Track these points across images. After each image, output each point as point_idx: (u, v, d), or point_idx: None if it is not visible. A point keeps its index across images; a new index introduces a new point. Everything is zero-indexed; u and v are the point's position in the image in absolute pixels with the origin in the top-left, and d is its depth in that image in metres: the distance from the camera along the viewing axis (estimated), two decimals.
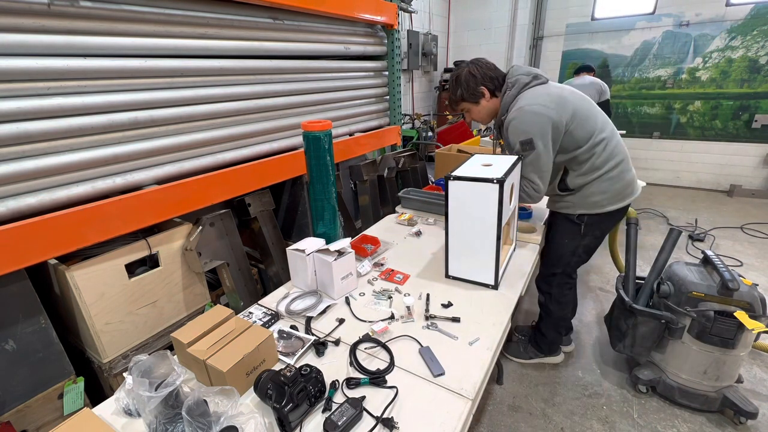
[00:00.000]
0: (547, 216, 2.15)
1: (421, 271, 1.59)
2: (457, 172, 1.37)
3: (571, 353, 2.17)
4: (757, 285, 1.65)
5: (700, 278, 1.68)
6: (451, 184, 1.34)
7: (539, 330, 2.03)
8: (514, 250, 1.71)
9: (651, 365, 1.87)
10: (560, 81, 5.70)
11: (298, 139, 2.18)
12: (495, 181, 1.26)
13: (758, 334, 1.59)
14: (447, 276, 1.52)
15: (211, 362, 0.95)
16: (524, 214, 2.02)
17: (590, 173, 1.59)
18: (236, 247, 2.06)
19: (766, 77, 4.34)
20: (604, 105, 4.01)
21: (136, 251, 1.52)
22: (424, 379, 1.03)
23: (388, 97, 2.99)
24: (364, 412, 0.92)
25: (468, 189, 1.32)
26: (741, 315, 1.51)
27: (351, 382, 1.01)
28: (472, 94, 1.62)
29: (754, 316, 1.53)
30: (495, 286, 1.42)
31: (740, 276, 1.63)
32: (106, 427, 0.84)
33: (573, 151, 1.56)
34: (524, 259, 1.65)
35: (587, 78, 4.04)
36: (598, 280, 2.90)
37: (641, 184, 1.81)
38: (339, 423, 0.87)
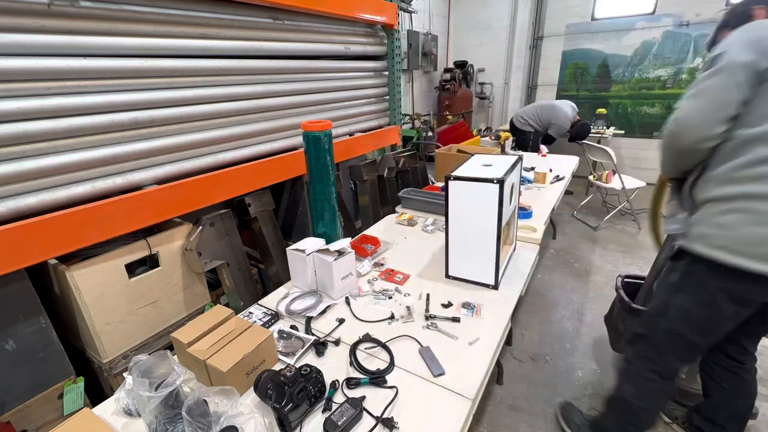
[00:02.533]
0: (548, 216, 2.14)
1: (421, 271, 1.59)
2: (457, 172, 1.37)
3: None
4: None
5: None
6: (452, 184, 1.35)
7: (603, 412, 1.48)
8: (514, 250, 1.71)
9: None
10: (560, 81, 5.71)
11: (298, 139, 2.18)
12: (495, 181, 1.26)
13: None
14: (447, 276, 1.52)
15: (211, 362, 0.95)
16: (524, 214, 2.02)
17: (731, 182, 1.01)
18: (236, 247, 2.06)
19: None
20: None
21: (136, 251, 1.52)
22: (424, 379, 1.03)
23: (388, 97, 2.99)
24: (364, 412, 0.92)
25: (468, 189, 1.32)
26: None
27: (351, 382, 1.01)
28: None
29: None
30: (495, 287, 1.42)
31: None
32: (106, 427, 0.84)
33: (749, 127, 0.98)
34: (524, 259, 1.65)
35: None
36: (599, 280, 2.90)
37: None
38: (339, 423, 0.87)
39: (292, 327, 1.25)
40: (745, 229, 0.97)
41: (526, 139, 4.35)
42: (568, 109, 4.24)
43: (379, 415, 0.91)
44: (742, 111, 0.98)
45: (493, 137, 4.20)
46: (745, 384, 1.35)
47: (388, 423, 0.89)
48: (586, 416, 1.61)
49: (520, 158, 1.53)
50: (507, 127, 5.34)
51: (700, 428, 1.46)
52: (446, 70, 6.01)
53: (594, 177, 3.93)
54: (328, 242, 1.46)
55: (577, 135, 4.17)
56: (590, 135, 4.28)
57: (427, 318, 1.27)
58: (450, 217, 1.40)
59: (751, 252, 0.97)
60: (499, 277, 1.43)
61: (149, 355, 0.91)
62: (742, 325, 1.15)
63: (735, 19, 1.17)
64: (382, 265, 1.64)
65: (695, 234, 1.08)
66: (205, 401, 0.85)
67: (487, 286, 1.44)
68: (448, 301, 1.36)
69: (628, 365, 1.35)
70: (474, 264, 1.44)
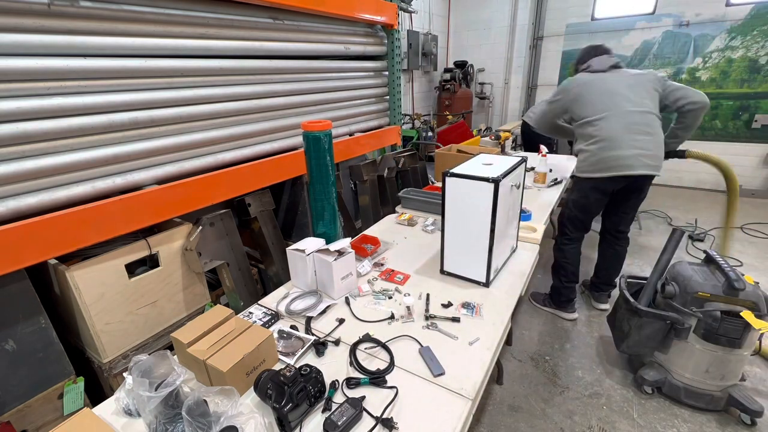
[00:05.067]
0: (548, 216, 2.16)
1: (422, 271, 1.59)
2: (457, 170, 1.37)
3: (575, 321, 2.44)
4: (758, 283, 1.65)
5: (705, 278, 1.68)
6: (449, 180, 1.35)
7: (553, 280, 2.46)
8: (514, 250, 1.71)
9: (656, 366, 1.86)
10: (560, 81, 5.70)
11: (298, 139, 2.18)
12: (491, 180, 1.26)
13: (762, 333, 1.59)
14: (442, 271, 1.52)
15: (211, 362, 0.95)
16: (523, 216, 2.01)
17: (579, 142, 2.15)
18: (236, 247, 2.06)
19: (766, 77, 4.34)
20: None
21: (136, 251, 1.52)
22: (424, 379, 1.03)
23: (388, 97, 2.99)
24: (364, 412, 0.92)
25: (465, 186, 1.33)
26: (747, 315, 1.51)
27: (351, 382, 1.01)
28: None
29: (759, 316, 1.53)
30: (486, 284, 1.43)
31: (743, 275, 1.63)
32: (106, 427, 0.84)
33: (574, 122, 2.17)
34: (524, 259, 1.65)
35: None
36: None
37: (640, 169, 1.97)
38: (339, 423, 0.87)
39: (292, 327, 1.25)
40: (587, 160, 2.09)
41: (550, 142, 3.92)
42: None
43: (379, 415, 0.91)
44: (567, 116, 2.26)
45: (493, 137, 4.19)
46: (617, 253, 2.41)
47: (388, 423, 0.89)
48: (544, 295, 2.58)
49: (524, 159, 1.53)
50: (507, 127, 5.34)
51: (593, 284, 2.57)
52: (446, 70, 6.01)
53: None
54: (328, 242, 1.46)
55: None
56: None
57: (427, 318, 1.27)
58: (446, 213, 1.41)
59: (592, 169, 2.06)
60: (491, 276, 1.44)
61: (149, 355, 0.91)
62: (611, 212, 2.33)
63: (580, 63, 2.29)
64: (382, 265, 1.64)
65: (575, 167, 2.25)
66: (205, 401, 0.85)
67: (478, 283, 1.45)
68: (448, 301, 1.36)
69: (555, 242, 2.41)
70: (467, 261, 1.45)
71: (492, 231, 1.32)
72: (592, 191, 2.11)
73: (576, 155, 2.18)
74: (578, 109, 2.09)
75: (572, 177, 2.12)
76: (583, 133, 2.09)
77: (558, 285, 2.39)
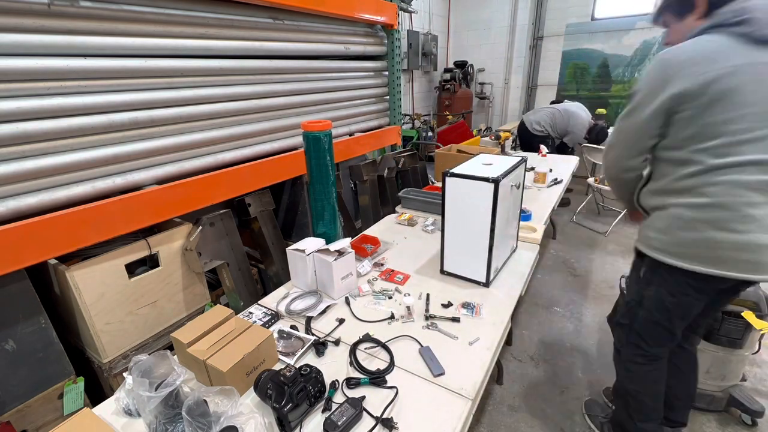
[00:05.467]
0: (548, 216, 2.14)
1: (422, 271, 1.59)
2: (457, 169, 1.37)
3: None
4: (758, 283, 1.65)
5: None
6: (449, 180, 1.35)
7: (615, 405, 1.53)
8: (514, 250, 1.71)
9: None
10: (560, 81, 5.71)
11: (298, 139, 2.18)
12: (491, 180, 1.26)
13: (762, 334, 1.59)
14: (442, 271, 1.52)
15: (211, 362, 0.95)
16: (523, 216, 2.01)
17: (664, 194, 1.14)
18: (236, 247, 2.06)
19: None
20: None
21: (136, 251, 1.52)
22: (424, 379, 1.03)
23: (388, 97, 2.99)
24: (364, 412, 0.92)
25: (465, 186, 1.33)
26: (748, 315, 1.51)
27: (351, 382, 1.01)
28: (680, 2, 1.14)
29: (760, 316, 1.52)
30: (486, 284, 1.43)
31: None
32: (106, 427, 0.84)
33: (672, 150, 1.11)
34: (524, 259, 1.65)
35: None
36: (599, 280, 2.90)
37: None
38: (339, 423, 0.87)
39: (292, 327, 1.25)
40: (676, 234, 1.11)
41: (546, 143, 3.88)
42: (583, 114, 3.98)
43: (379, 415, 0.91)
44: (660, 138, 1.14)
45: (493, 137, 4.19)
46: (691, 359, 1.47)
47: (388, 423, 0.89)
48: (607, 413, 1.66)
49: (524, 159, 1.53)
50: (507, 127, 5.34)
51: (667, 419, 1.49)
52: (446, 70, 6.02)
53: (595, 180, 3.92)
54: (328, 242, 1.46)
55: (596, 141, 3.92)
56: None
57: (427, 318, 1.27)
58: (446, 213, 1.41)
59: (683, 253, 1.10)
60: (491, 276, 1.44)
61: (149, 355, 0.91)
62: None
63: (678, 4, 1.16)
64: (382, 265, 1.64)
65: (643, 236, 1.22)
66: (205, 401, 0.85)
67: (478, 283, 1.45)
68: (448, 301, 1.36)
69: (618, 354, 1.46)
70: (467, 261, 1.45)
71: (492, 231, 1.32)
72: (694, 290, 1.16)
73: (646, 209, 1.22)
74: (715, 117, 1.01)
75: (640, 254, 1.24)
76: (673, 171, 1.11)
77: (624, 420, 1.44)
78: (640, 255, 1.25)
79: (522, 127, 4.27)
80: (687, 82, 1.01)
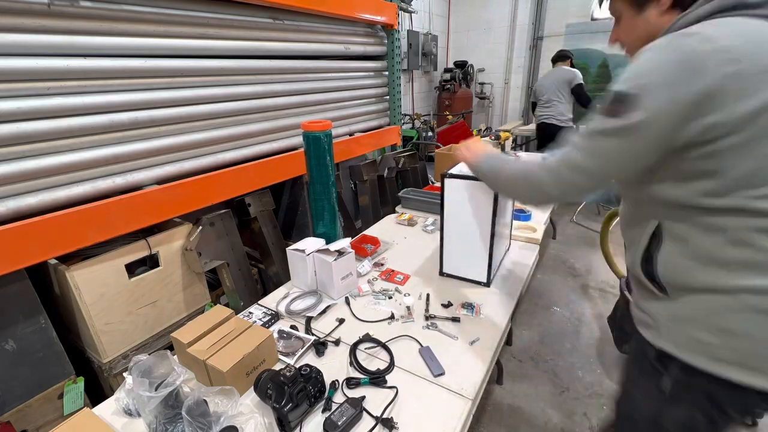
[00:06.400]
0: (547, 216, 2.13)
1: (422, 271, 1.59)
2: (455, 171, 1.37)
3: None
4: None
5: None
6: (447, 181, 1.35)
7: None
8: (508, 249, 1.70)
9: None
10: None
11: (298, 139, 2.18)
12: None
13: None
14: (441, 273, 1.52)
15: (211, 362, 0.95)
16: (523, 216, 2.01)
17: (724, 270, 0.68)
18: (236, 247, 2.06)
19: None
20: (577, 91, 3.69)
21: (136, 251, 1.52)
22: (424, 379, 1.03)
23: (388, 97, 2.99)
24: (364, 412, 0.92)
25: (464, 187, 1.32)
26: None
27: (351, 382, 1.01)
28: None
29: None
30: (487, 284, 1.43)
31: None
32: (106, 427, 0.84)
33: (701, 195, 0.67)
34: (524, 259, 1.65)
35: (557, 70, 3.83)
36: (599, 279, 2.90)
37: None
38: (339, 423, 0.87)
39: (292, 327, 1.25)
40: (755, 338, 0.67)
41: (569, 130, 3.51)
42: (561, 70, 3.80)
43: (379, 415, 0.91)
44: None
45: (493, 137, 4.20)
46: None
47: (388, 423, 0.89)
48: None
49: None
50: (507, 127, 5.34)
51: None
52: (446, 70, 6.02)
53: None
54: (328, 242, 1.46)
55: (580, 101, 3.75)
56: None
57: (427, 318, 1.27)
58: (445, 214, 1.40)
59: (745, 363, 0.68)
60: (492, 276, 1.43)
61: (149, 355, 0.92)
62: None
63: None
64: (382, 265, 1.64)
65: (685, 337, 0.73)
66: (205, 401, 0.85)
67: (479, 283, 1.45)
68: (448, 301, 1.36)
69: None
70: (467, 261, 1.44)
71: (493, 231, 1.32)
72: (739, 414, 0.76)
73: (662, 290, 0.76)
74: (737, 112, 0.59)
75: (658, 359, 0.78)
76: (731, 221, 0.65)
77: None
78: (660, 357, 0.78)
79: (543, 128, 3.97)
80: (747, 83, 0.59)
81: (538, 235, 1.83)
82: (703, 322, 0.71)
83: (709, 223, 0.68)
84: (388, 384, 1.01)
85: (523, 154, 3.22)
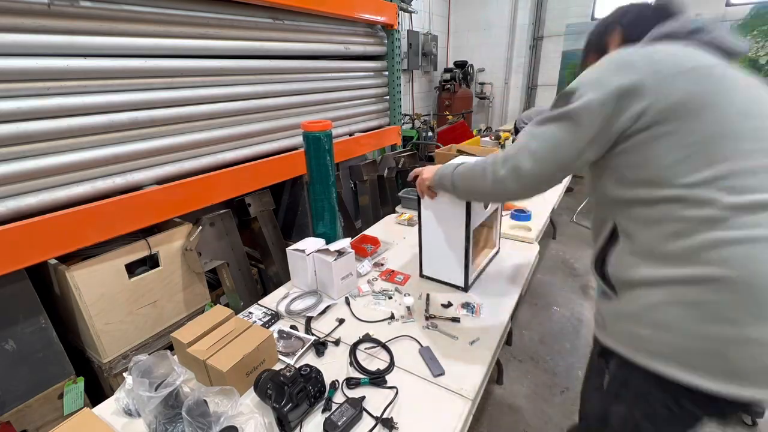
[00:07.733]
0: (546, 220, 2.13)
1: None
2: None
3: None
4: None
5: None
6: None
7: None
8: (497, 252, 1.68)
9: None
10: (560, 81, 5.70)
11: (298, 139, 2.18)
12: None
13: None
14: (421, 276, 1.51)
15: (211, 362, 0.95)
16: (523, 216, 2.00)
17: (660, 263, 0.70)
18: (236, 247, 2.06)
19: (766, 77, 4.34)
20: None
21: (136, 251, 1.52)
22: (424, 379, 1.03)
23: (388, 97, 2.99)
24: (364, 412, 0.92)
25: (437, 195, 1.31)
26: None
27: (351, 382, 1.01)
28: (597, 43, 0.95)
29: None
30: (465, 289, 1.41)
31: None
32: (106, 427, 0.84)
33: (639, 188, 0.73)
34: (524, 259, 1.65)
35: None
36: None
37: None
38: (339, 423, 0.87)
39: (292, 327, 1.25)
40: (695, 330, 0.66)
41: None
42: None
43: (379, 415, 0.91)
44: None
45: (493, 137, 4.19)
46: None
47: (388, 423, 0.89)
48: None
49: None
50: (507, 127, 5.33)
51: None
52: (446, 70, 6.01)
53: None
54: (328, 242, 1.46)
55: None
56: None
57: (427, 318, 1.27)
58: (423, 218, 1.39)
59: (708, 364, 0.65)
60: (470, 280, 1.41)
61: (149, 355, 0.92)
62: None
63: (594, 47, 0.96)
64: (382, 265, 1.64)
65: (625, 332, 0.76)
66: (205, 401, 0.85)
67: (457, 287, 1.43)
68: (448, 301, 1.36)
69: None
70: (445, 265, 1.43)
71: (468, 234, 1.30)
72: (689, 401, 0.71)
73: (611, 288, 0.82)
74: (689, 137, 0.68)
75: (602, 354, 0.85)
76: (666, 225, 0.69)
77: None
78: (603, 353, 0.83)
79: (515, 128, 4.26)
80: (662, 87, 0.70)
81: (533, 234, 1.82)
82: (641, 316, 0.73)
83: (649, 216, 0.72)
84: (388, 384, 1.01)
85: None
